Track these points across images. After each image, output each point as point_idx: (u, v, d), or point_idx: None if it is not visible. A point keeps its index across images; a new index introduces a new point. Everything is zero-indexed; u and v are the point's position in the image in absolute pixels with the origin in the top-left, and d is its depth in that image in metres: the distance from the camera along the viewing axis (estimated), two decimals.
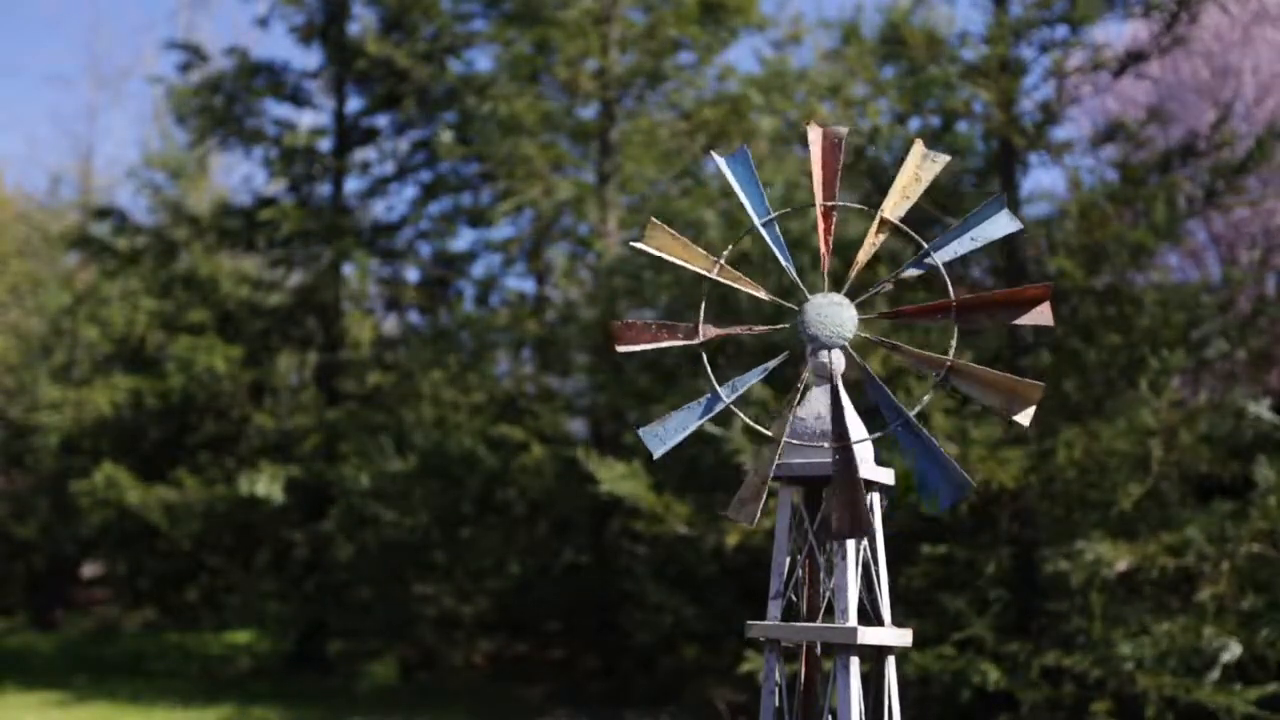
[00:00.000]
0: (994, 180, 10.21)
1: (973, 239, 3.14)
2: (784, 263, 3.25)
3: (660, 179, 15.40)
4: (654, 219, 3.42)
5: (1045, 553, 9.41)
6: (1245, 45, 13.72)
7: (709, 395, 3.19)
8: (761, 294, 3.28)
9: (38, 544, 21.88)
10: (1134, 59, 10.15)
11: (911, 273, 3.19)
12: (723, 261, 3.27)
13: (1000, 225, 3.10)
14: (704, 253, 3.28)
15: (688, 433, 3.17)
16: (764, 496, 3.05)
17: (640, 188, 15.46)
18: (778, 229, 3.31)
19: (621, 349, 3.23)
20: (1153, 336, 9.42)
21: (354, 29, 18.98)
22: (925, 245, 3.14)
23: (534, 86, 16.39)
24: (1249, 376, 10.68)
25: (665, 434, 3.17)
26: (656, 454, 3.15)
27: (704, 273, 3.26)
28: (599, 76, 15.94)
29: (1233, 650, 8.16)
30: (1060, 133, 20.59)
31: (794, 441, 3.13)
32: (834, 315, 3.14)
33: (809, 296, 3.21)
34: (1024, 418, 2.96)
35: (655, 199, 14.73)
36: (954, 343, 3.06)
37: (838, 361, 3.19)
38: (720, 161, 3.32)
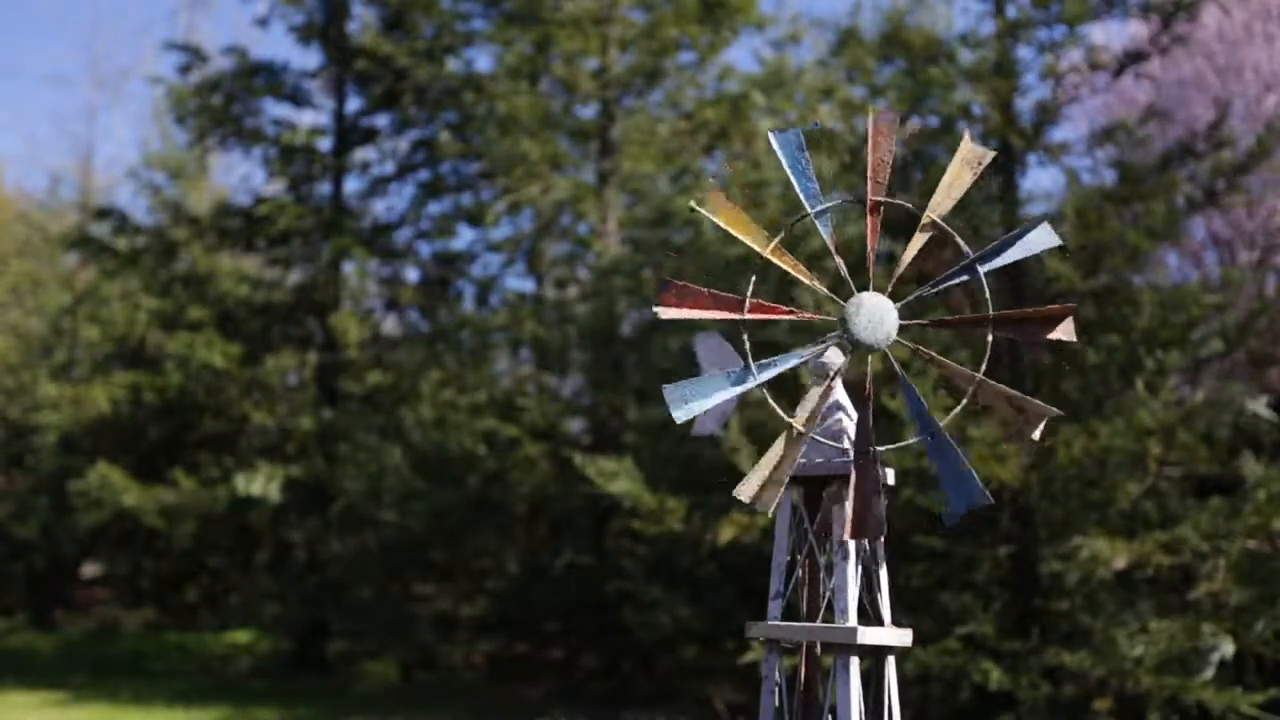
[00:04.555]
0: (993, 181, 10.19)
1: (1017, 251, 3.19)
2: (834, 257, 3.18)
3: (659, 177, 15.38)
4: (713, 183, 3.36)
5: (1044, 552, 9.42)
6: (1247, 42, 13.71)
7: (741, 368, 3.13)
8: (816, 284, 3.19)
9: (38, 544, 21.87)
10: (1133, 59, 10.14)
11: (952, 280, 3.18)
12: (777, 242, 3.19)
13: (1043, 239, 3.16)
14: (763, 231, 3.20)
15: (714, 400, 3.07)
16: (783, 485, 3.02)
17: (643, 185, 15.44)
18: (829, 221, 3.26)
19: (662, 312, 3.09)
20: (1151, 337, 9.42)
21: (353, 28, 18.98)
22: (971, 255, 3.16)
23: (534, 86, 16.38)
24: (1249, 376, 10.68)
25: (690, 396, 3.05)
26: (679, 418, 3.03)
27: (760, 249, 3.17)
28: (599, 76, 15.93)
29: (1225, 649, 8.16)
30: (1060, 133, 20.57)
31: (818, 439, 3.12)
32: (880, 318, 3.09)
33: (856, 293, 3.14)
34: (1035, 432, 3.04)
35: (655, 198, 14.73)
36: (986, 356, 3.08)
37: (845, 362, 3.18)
38: (773, 139, 3.19)
